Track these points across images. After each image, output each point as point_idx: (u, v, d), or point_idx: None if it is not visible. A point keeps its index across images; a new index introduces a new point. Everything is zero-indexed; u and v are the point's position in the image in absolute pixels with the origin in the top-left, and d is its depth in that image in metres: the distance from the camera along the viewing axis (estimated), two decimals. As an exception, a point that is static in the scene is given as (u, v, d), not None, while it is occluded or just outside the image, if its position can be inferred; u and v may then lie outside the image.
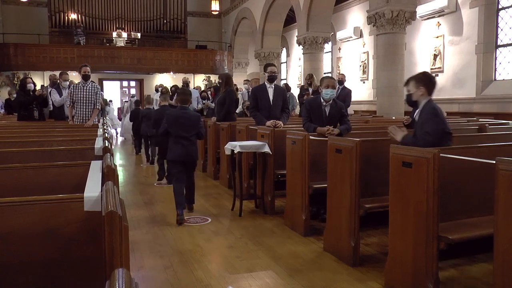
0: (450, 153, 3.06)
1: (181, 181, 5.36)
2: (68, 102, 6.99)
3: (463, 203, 3.25)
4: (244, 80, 13.18)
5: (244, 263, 3.86)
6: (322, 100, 5.02)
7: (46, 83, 14.34)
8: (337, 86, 9.04)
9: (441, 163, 2.87)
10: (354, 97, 14.78)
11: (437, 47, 12.03)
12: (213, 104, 10.62)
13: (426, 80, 3.52)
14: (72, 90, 6.98)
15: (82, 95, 6.93)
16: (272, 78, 6.21)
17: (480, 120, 7.76)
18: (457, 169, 3.19)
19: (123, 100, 17.90)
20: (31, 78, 8.75)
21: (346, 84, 10.05)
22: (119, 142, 15.55)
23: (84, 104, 6.94)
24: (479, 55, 10.85)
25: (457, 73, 11.44)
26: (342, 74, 10.25)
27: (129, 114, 13.24)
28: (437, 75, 12.02)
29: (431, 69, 12.20)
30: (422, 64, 12.62)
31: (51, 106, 8.47)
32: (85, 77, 6.98)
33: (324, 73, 15.76)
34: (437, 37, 12.00)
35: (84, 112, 6.94)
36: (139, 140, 11.41)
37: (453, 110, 11.26)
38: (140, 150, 11.57)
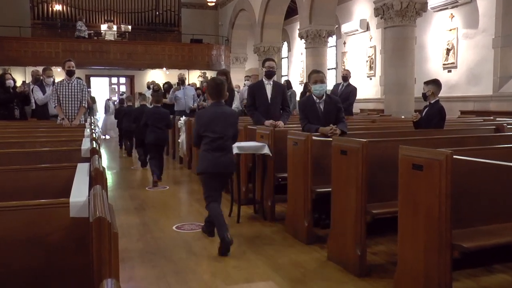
0: (464, 155, 3.06)
1: (155, 158, 7.94)
2: (55, 101, 6.94)
3: (479, 208, 3.25)
4: (245, 76, 13.19)
5: (242, 273, 3.86)
6: (314, 98, 5.04)
7: (28, 79, 14.34)
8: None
9: (455, 165, 2.87)
10: (360, 95, 14.79)
11: (450, 41, 12.04)
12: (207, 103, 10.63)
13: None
14: (56, 88, 6.97)
15: (67, 93, 6.91)
16: (270, 73, 6.20)
17: (497, 119, 7.77)
18: (472, 172, 3.19)
19: (106, 99, 17.99)
20: (10, 74, 8.74)
21: (352, 81, 10.05)
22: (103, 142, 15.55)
23: (70, 102, 6.93)
24: (497, 50, 10.86)
25: (472, 68, 11.45)
26: (347, 70, 10.25)
27: (110, 112, 15.34)
28: (450, 71, 12.03)
29: (444, 64, 12.23)
30: (433, 59, 12.64)
31: (34, 105, 8.47)
32: (70, 73, 6.96)
33: (328, 69, 15.78)
34: (450, 30, 12.01)
35: (69, 111, 6.93)
36: (121, 136, 12.86)
37: (467, 109, 11.26)
38: (126, 148, 12.27)
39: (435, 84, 5.53)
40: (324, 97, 5.05)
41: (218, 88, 4.49)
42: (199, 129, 4.45)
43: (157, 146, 7.97)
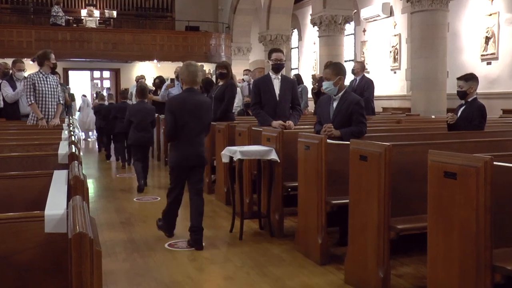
0: (506, 161, 3.04)
1: (121, 145, 10.94)
2: (30, 97, 6.85)
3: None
4: (244, 70, 13.15)
5: (245, 299, 3.85)
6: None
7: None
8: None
9: (495, 173, 2.85)
10: (383, 91, 14.76)
11: (490, 28, 12.00)
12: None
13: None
14: (33, 81, 6.89)
15: (45, 88, 6.89)
16: (278, 67, 6.23)
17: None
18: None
19: (82, 96, 18.22)
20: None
21: (373, 75, 10.03)
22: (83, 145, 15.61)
23: (48, 99, 6.89)
24: (548, 38, 10.81)
25: (517, 60, 11.41)
26: (358, 62, 10.27)
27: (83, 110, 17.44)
28: (489, 63, 11.99)
29: (482, 55, 12.19)
30: (469, 49, 12.61)
31: (1, 103, 8.47)
32: (55, 67, 7.02)
33: (345, 61, 15.76)
34: (490, 14, 11.98)
35: (48, 110, 6.90)
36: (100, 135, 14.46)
37: (510, 107, 11.20)
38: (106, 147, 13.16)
39: (475, 79, 5.54)
40: (341, 93, 5.05)
41: (142, 92, 8.55)
42: (129, 117, 8.18)
43: (125, 134, 10.07)
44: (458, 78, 5.67)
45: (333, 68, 5.12)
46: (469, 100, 5.53)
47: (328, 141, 4.58)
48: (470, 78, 5.55)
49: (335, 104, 5.07)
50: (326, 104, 5.16)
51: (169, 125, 4.97)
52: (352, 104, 5.01)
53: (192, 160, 5.06)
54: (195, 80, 5.05)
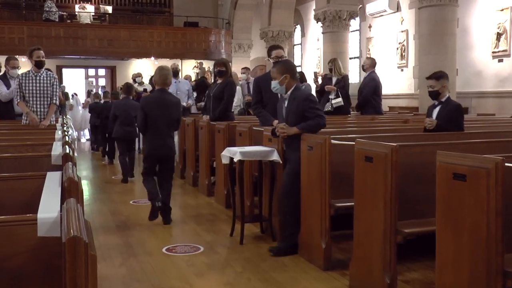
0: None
1: (100, 135, 12.98)
2: (18, 96, 6.90)
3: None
4: (242, 69, 13.09)
5: (246, 305, 3.85)
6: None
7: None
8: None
9: (506, 175, 2.85)
10: (389, 89, 14.74)
11: (501, 24, 11.98)
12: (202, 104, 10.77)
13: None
14: (20, 81, 6.94)
15: (34, 87, 6.91)
16: None
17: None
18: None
19: (72, 94, 18.24)
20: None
21: (378, 73, 9.97)
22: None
23: (38, 98, 6.91)
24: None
25: (530, 57, 11.39)
26: (369, 58, 10.25)
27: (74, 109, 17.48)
28: (501, 60, 11.98)
29: (493, 52, 12.17)
30: (480, 46, 12.59)
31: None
32: (39, 64, 6.97)
33: (350, 58, 15.75)
34: (502, 10, 11.96)
35: (38, 109, 6.92)
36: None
37: (523, 107, 11.19)
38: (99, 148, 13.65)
39: (445, 77, 5.45)
40: (289, 92, 5.05)
41: (128, 89, 9.74)
42: (115, 112, 9.29)
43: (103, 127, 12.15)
44: (428, 78, 5.56)
45: (279, 67, 5.13)
46: (443, 100, 5.46)
47: (333, 141, 4.56)
48: (441, 76, 5.44)
49: (286, 103, 5.08)
50: (281, 104, 5.19)
51: (140, 119, 6.18)
52: (301, 101, 4.95)
53: (162, 152, 6.10)
54: (166, 82, 6.19)
